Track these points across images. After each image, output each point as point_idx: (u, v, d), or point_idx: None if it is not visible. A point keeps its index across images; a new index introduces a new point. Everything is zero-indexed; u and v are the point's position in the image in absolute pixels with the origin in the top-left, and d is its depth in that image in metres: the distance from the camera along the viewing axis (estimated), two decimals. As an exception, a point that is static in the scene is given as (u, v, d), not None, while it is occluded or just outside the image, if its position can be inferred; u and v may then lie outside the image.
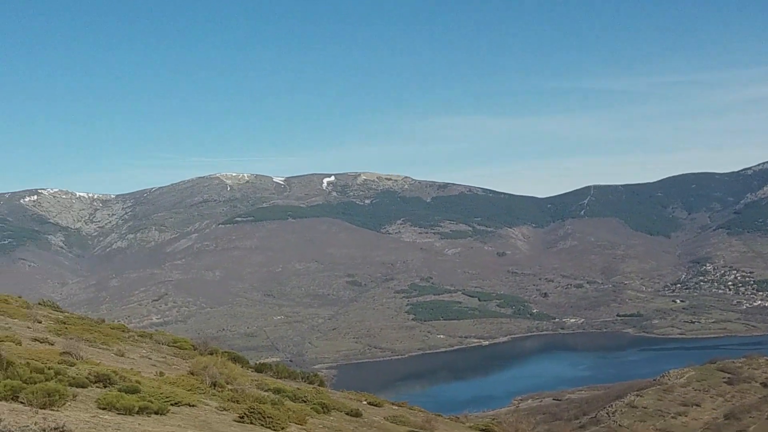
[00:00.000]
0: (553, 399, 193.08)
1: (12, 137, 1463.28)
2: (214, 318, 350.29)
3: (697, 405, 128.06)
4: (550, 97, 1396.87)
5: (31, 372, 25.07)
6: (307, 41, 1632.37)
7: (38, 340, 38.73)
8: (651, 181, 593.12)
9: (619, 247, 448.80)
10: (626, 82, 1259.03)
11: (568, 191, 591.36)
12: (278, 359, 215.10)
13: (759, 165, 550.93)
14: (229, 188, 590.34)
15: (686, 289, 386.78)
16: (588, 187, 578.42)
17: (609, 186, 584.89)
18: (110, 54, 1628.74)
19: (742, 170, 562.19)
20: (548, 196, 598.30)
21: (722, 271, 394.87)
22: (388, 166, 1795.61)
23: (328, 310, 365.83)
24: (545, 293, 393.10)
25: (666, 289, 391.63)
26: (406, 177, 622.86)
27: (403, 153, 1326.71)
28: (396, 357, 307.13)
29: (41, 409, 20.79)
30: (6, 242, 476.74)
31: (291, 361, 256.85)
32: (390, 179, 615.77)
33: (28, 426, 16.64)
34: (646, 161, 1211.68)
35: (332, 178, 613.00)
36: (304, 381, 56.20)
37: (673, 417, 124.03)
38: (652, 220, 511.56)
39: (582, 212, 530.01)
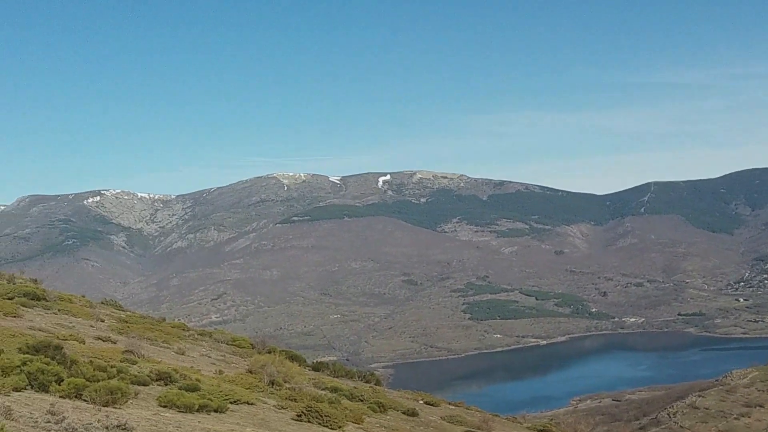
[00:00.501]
0: (613, 400, 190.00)
1: (76, 140, 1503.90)
2: (271, 317, 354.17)
3: (760, 406, 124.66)
4: (609, 91, 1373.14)
5: (94, 370, 25.62)
6: (362, 41, 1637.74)
7: (101, 339, 39.67)
8: (713, 176, 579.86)
9: (681, 244, 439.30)
10: (689, 75, 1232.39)
11: (627, 188, 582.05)
12: (335, 358, 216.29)
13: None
14: (286, 188, 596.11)
15: (750, 287, 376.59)
16: (648, 184, 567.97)
17: (670, 182, 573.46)
18: (172, 57, 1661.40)
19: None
20: (607, 193, 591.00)
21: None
22: (444, 165, 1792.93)
23: (384, 309, 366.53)
24: (604, 292, 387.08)
25: (729, 287, 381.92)
26: (461, 175, 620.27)
27: (458, 151, 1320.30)
28: (452, 356, 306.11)
29: (104, 406, 21.21)
30: (70, 243, 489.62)
31: (347, 359, 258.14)
32: (446, 177, 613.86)
33: (91, 423, 17.00)
34: (709, 156, 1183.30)
35: (388, 177, 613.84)
36: (361, 380, 56.43)
37: (735, 418, 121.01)
38: (714, 216, 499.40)
39: (642, 209, 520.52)
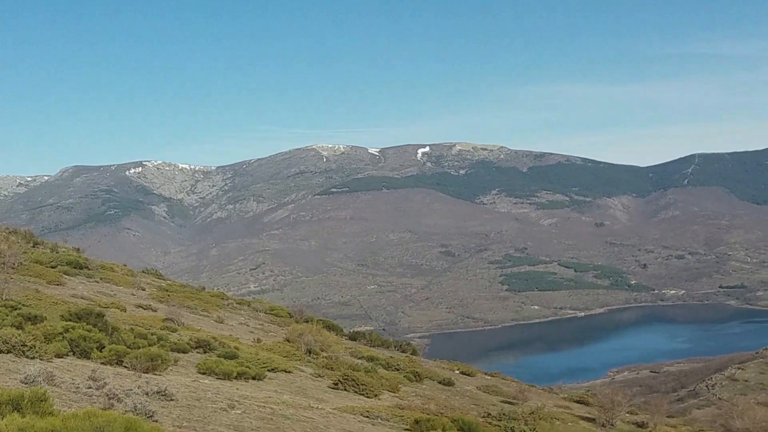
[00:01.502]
0: (650, 371, 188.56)
1: (119, 111, 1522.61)
2: (309, 287, 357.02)
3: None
4: (653, 62, 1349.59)
5: (134, 337, 26.17)
6: (400, 12, 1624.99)
7: (142, 307, 40.46)
8: (759, 148, 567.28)
9: (724, 217, 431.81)
10: (734, 45, 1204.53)
11: (671, 160, 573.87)
12: (371, 328, 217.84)
13: None
14: (324, 159, 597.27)
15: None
16: (692, 156, 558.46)
17: (714, 154, 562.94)
18: (211, 27, 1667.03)
19: None
20: (650, 165, 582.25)
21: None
22: (484, 137, 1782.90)
23: (421, 280, 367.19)
24: (644, 264, 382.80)
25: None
26: (501, 147, 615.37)
27: (499, 123, 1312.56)
28: (489, 327, 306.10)
29: (144, 373, 21.69)
30: (112, 212, 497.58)
31: (384, 330, 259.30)
32: (485, 149, 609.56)
33: (131, 389, 17.39)
34: (754, 128, 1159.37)
35: (427, 149, 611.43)
36: (397, 350, 56.91)
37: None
38: (759, 188, 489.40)
39: (685, 181, 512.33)
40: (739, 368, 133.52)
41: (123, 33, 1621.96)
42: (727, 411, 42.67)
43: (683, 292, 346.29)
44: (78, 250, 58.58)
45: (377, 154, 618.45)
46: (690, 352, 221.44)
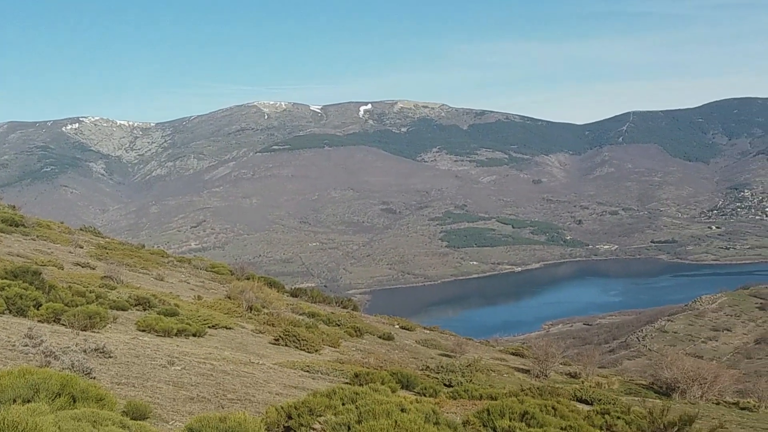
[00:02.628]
0: (584, 324, 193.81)
1: (53, 66, 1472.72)
2: (251, 244, 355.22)
3: (728, 330, 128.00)
4: (590, 20, 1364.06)
5: (72, 295, 25.97)
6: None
7: (80, 265, 39.96)
8: (692, 106, 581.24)
9: (657, 173, 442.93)
10: (669, 4, 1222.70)
11: (606, 118, 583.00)
12: (313, 285, 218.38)
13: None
14: (266, 116, 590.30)
15: (723, 215, 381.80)
16: (627, 113, 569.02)
17: (649, 112, 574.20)
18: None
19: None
20: (587, 123, 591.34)
21: (760, 198, 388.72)
22: (425, 94, 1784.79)
23: (362, 237, 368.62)
24: (580, 220, 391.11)
25: (702, 215, 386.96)
26: (442, 105, 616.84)
27: (440, 81, 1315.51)
28: (429, 283, 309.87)
29: (82, 330, 21.63)
30: (48, 169, 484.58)
31: (325, 286, 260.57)
32: (426, 107, 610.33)
33: (69, 347, 17.37)
34: (688, 87, 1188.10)
35: (369, 107, 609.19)
36: (338, 306, 57.50)
37: (703, 342, 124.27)
38: (691, 146, 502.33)
39: (620, 139, 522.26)
40: (668, 320, 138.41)
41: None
42: (656, 361, 44.41)
43: (616, 247, 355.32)
44: (14, 207, 57.32)
45: (319, 111, 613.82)
46: (622, 305, 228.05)
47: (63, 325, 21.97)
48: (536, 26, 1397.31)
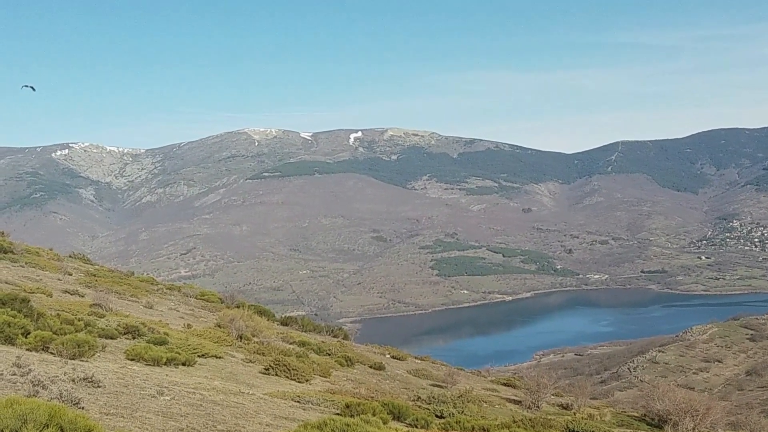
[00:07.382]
0: (575, 354, 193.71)
1: (44, 92, 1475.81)
2: (240, 272, 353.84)
3: (719, 361, 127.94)
4: (579, 51, 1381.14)
5: (61, 323, 25.67)
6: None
7: (69, 292, 39.59)
8: (680, 136, 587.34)
9: (646, 203, 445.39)
10: (657, 36, 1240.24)
11: (595, 147, 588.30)
12: (303, 313, 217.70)
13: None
14: (256, 143, 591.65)
15: (712, 245, 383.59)
16: (616, 143, 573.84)
17: (637, 141, 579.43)
18: (142, 9, 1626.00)
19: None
20: (576, 152, 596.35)
21: (749, 228, 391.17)
22: (415, 122, 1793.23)
23: (353, 265, 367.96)
24: (570, 249, 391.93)
25: (692, 245, 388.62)
26: (432, 133, 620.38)
27: (430, 109, 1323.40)
28: (420, 312, 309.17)
29: (71, 359, 21.33)
30: (38, 195, 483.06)
31: (316, 314, 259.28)
32: (416, 135, 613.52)
33: (57, 376, 17.12)
34: (676, 117, 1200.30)
35: (359, 134, 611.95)
36: (329, 334, 57.10)
37: (694, 373, 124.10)
38: (680, 176, 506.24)
39: (609, 168, 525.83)
40: (659, 351, 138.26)
41: (48, 9, 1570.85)
42: (648, 393, 44.11)
43: (606, 276, 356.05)
44: (2, 233, 56.89)
45: (309, 138, 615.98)
46: (613, 336, 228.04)
47: (51, 353, 21.68)
48: (525, 56, 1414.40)
